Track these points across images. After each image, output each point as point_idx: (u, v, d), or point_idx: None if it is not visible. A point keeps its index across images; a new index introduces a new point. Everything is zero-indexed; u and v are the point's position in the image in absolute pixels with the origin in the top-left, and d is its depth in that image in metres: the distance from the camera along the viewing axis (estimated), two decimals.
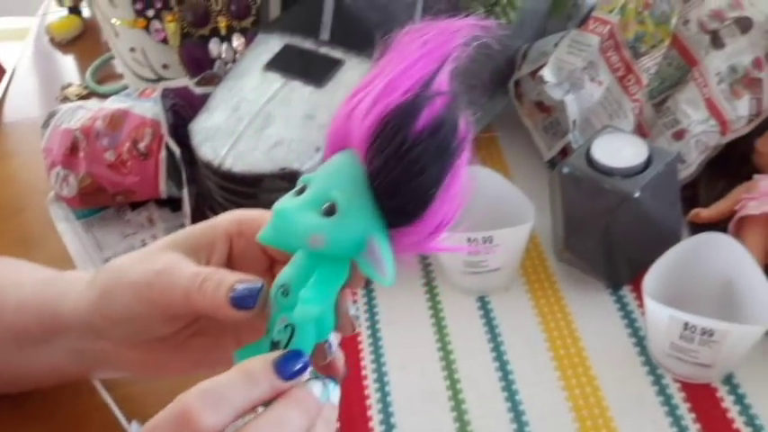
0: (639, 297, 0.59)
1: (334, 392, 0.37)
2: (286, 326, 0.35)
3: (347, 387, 0.55)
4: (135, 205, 0.71)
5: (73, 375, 0.51)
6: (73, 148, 0.66)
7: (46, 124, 0.69)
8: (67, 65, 0.97)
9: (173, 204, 0.70)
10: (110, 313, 0.41)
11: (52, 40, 1.00)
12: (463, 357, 0.57)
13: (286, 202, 0.34)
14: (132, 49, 0.75)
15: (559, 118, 0.68)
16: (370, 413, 0.54)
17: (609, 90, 0.64)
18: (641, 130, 0.66)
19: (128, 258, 0.41)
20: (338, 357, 0.38)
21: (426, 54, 0.33)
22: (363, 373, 0.56)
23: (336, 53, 0.61)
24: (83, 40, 0.99)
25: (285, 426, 0.33)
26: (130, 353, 0.43)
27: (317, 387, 0.35)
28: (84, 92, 0.88)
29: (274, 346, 0.35)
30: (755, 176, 0.62)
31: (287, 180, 0.56)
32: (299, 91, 0.59)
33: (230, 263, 0.41)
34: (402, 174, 0.32)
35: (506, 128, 0.75)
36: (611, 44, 0.63)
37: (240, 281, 0.37)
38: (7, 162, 0.83)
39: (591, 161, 0.56)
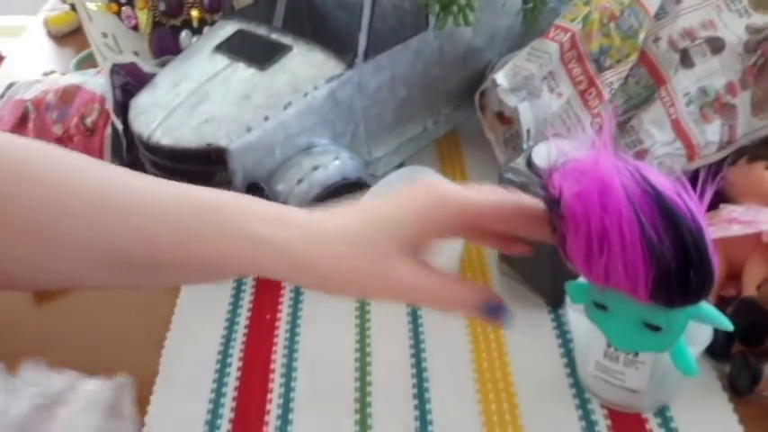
0: None
1: None
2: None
3: (250, 376, 0.53)
4: None
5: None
6: (23, 119, 0.65)
7: (2, 95, 0.68)
8: (62, 57, 0.98)
9: None
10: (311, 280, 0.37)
11: (49, 33, 1.02)
12: (380, 362, 0.53)
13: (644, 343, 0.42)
14: (104, 35, 0.76)
15: (519, 130, 0.65)
16: (268, 407, 0.50)
17: (569, 103, 0.62)
18: None
19: (339, 237, 0.36)
20: None
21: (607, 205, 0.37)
22: (272, 366, 0.53)
23: (286, 39, 0.60)
24: (79, 33, 1.00)
25: None
26: None
27: None
28: None
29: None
30: (721, 206, 0.59)
31: (212, 156, 0.54)
32: (242, 72, 0.58)
33: None
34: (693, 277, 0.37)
35: (471, 139, 0.73)
36: (573, 55, 0.61)
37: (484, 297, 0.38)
38: None
39: (531, 165, 0.53)
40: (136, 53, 0.76)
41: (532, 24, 0.70)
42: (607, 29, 0.61)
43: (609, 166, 0.37)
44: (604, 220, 0.37)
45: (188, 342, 0.56)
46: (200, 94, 0.57)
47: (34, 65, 0.97)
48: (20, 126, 0.65)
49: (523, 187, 0.53)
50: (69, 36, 1.01)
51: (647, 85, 0.63)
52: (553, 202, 0.39)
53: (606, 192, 0.37)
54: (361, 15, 0.57)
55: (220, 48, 0.60)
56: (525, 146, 0.62)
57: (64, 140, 0.65)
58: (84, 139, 0.64)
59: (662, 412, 0.49)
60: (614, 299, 0.42)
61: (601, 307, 0.43)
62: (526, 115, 0.61)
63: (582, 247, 0.39)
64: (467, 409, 0.50)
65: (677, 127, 0.61)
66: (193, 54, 0.61)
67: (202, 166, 0.55)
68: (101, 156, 0.64)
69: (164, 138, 0.55)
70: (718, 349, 0.52)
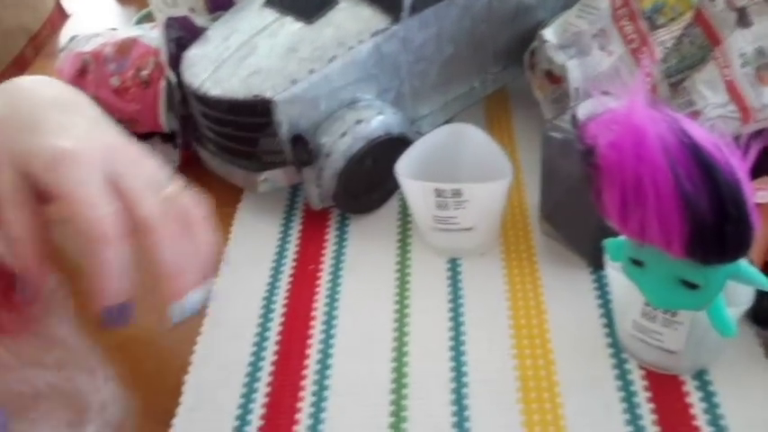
0: None
1: None
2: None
3: (292, 322, 0.54)
4: (141, 137, 0.72)
5: None
6: (82, 71, 0.68)
7: (64, 48, 0.71)
8: (125, 15, 1.01)
9: (176, 141, 0.71)
10: None
11: None
12: (418, 314, 0.54)
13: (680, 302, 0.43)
14: None
15: (568, 90, 0.64)
16: (308, 351, 0.52)
17: (620, 61, 0.60)
18: None
19: None
20: None
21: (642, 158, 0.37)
22: (313, 313, 0.55)
23: None
24: None
25: None
26: None
27: None
28: None
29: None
30: None
31: (258, 107, 0.55)
32: (289, 26, 0.58)
33: None
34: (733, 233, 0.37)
35: (520, 99, 0.73)
36: (625, 12, 0.60)
37: None
38: None
39: (577, 122, 0.52)
40: (192, 9, 0.77)
41: None
42: None
43: (644, 115, 0.37)
44: (639, 170, 0.37)
45: (235, 288, 0.57)
46: (248, 46, 0.58)
47: (98, 23, 1.00)
48: (79, 78, 0.68)
49: (567, 144, 0.52)
50: None
51: (702, 45, 0.61)
52: (588, 153, 0.39)
53: (641, 141, 0.36)
54: None
55: (270, 2, 0.61)
56: (573, 105, 0.61)
57: (121, 92, 0.67)
58: (139, 91, 0.66)
59: (700, 376, 0.49)
60: (651, 255, 0.42)
61: (638, 263, 0.43)
62: (575, 73, 0.60)
63: (617, 199, 0.39)
64: (501, 364, 0.50)
65: (731, 89, 0.59)
66: (244, 8, 0.63)
67: (250, 117, 0.56)
68: (155, 107, 0.66)
69: (213, 89, 0.56)
70: (763, 315, 0.51)
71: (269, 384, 0.50)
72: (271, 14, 0.60)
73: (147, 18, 0.94)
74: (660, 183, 0.36)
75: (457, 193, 0.54)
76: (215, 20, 0.67)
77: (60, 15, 1.04)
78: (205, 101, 0.57)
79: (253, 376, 0.50)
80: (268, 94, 0.55)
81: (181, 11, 0.70)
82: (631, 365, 0.50)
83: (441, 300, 0.55)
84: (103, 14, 1.02)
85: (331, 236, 0.61)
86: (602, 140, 0.38)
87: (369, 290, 0.56)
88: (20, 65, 0.96)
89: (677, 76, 0.62)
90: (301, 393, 0.49)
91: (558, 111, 0.66)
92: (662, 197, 0.37)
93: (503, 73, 0.70)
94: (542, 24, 0.69)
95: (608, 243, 0.46)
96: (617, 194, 0.39)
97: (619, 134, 0.37)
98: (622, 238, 0.44)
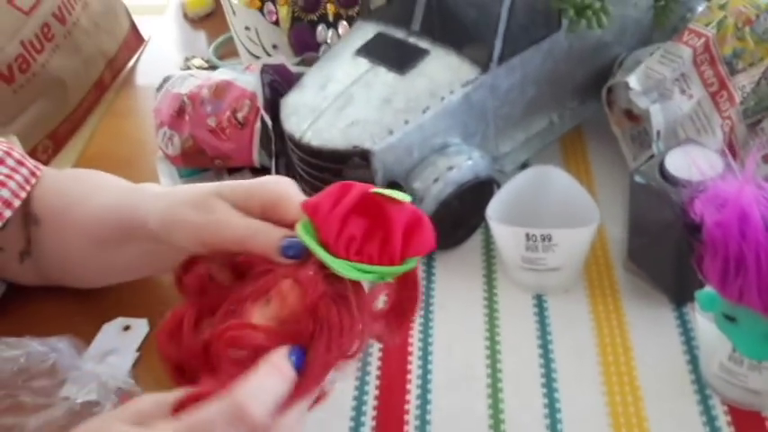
0: None
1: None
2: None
3: (391, 360, 0.58)
4: (232, 170, 0.76)
5: (146, 273, 0.60)
6: (180, 111, 0.72)
7: (160, 87, 0.75)
8: (197, 40, 1.05)
9: (265, 173, 0.75)
10: (168, 239, 0.47)
11: (185, 16, 1.09)
12: (509, 350, 0.58)
13: None
14: (247, 28, 0.81)
15: (647, 128, 0.67)
16: (409, 386, 0.56)
17: (699, 104, 0.63)
18: (731, 150, 0.64)
19: (184, 198, 0.47)
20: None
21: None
22: (410, 349, 0.58)
23: (424, 43, 0.63)
24: (213, 17, 1.07)
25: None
26: None
27: None
28: (206, 65, 0.95)
29: None
30: None
31: (359, 157, 0.59)
32: (383, 76, 0.62)
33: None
34: None
35: (596, 134, 0.75)
36: (705, 57, 0.62)
37: (285, 235, 0.42)
38: (129, 120, 0.91)
39: (663, 172, 0.55)
40: (275, 46, 0.81)
41: (663, 22, 0.70)
42: (742, 33, 0.61)
43: (751, 197, 0.40)
44: (743, 247, 0.40)
45: None
46: (345, 97, 0.61)
47: (173, 49, 1.04)
48: (177, 117, 0.72)
49: (654, 192, 0.55)
50: (204, 19, 1.07)
51: None
52: (694, 228, 0.42)
53: (746, 221, 0.40)
54: (496, 20, 0.60)
55: (362, 51, 0.65)
56: (655, 147, 0.63)
57: (217, 132, 0.71)
58: (235, 131, 0.70)
59: None
60: (744, 312, 0.45)
61: (730, 318, 0.46)
62: (657, 117, 0.62)
63: (719, 268, 0.43)
64: (593, 401, 0.53)
65: None
66: (336, 56, 0.66)
67: (345, 165, 0.60)
68: (250, 148, 0.70)
69: (314, 139, 0.60)
70: None
71: (374, 419, 0.54)
72: (364, 64, 0.63)
73: (225, 45, 0.98)
74: (762, 258, 0.40)
75: (547, 238, 0.57)
76: (304, 63, 0.71)
77: (136, 39, 1.08)
78: (305, 149, 0.61)
79: (359, 410, 0.54)
80: (367, 145, 0.58)
81: (274, 58, 0.72)
82: (715, 401, 0.53)
83: (530, 336, 0.58)
84: (178, 41, 1.07)
85: (419, 271, 0.65)
86: (708, 218, 0.41)
87: (460, 325, 0.60)
88: (99, 88, 1.01)
89: (754, 117, 0.64)
90: (405, 428, 0.53)
91: (636, 147, 0.69)
92: (763, 271, 0.40)
93: (580, 108, 0.73)
94: (619, 60, 0.72)
95: (699, 294, 0.49)
96: (719, 265, 0.42)
97: (726, 214, 0.40)
98: (712, 290, 0.47)
